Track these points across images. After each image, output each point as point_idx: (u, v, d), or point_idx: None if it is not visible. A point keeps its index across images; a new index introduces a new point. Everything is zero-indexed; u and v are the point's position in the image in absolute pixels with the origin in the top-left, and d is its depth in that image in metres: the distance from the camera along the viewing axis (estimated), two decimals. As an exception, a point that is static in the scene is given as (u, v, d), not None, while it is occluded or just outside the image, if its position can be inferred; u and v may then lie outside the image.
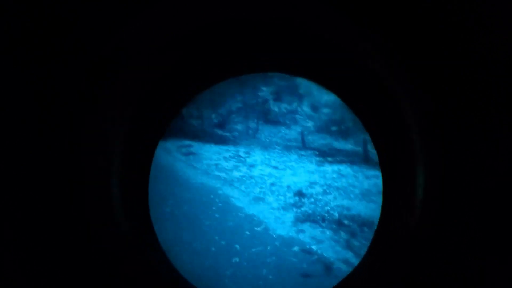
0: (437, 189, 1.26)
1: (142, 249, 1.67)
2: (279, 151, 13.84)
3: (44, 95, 1.14)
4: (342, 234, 7.41)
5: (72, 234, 1.29)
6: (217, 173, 10.68)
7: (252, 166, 11.52)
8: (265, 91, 14.81)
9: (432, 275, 1.28)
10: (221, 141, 14.85)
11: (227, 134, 15.80)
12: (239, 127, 16.23)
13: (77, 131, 1.24)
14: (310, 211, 8.23)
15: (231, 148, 13.98)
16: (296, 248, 6.54)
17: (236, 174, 10.66)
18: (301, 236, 7.10)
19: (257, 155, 12.92)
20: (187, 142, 13.97)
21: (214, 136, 15.29)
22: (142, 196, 1.78)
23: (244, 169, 11.19)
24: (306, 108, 14.17)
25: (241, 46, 1.58)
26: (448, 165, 1.19)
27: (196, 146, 13.83)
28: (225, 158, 12.43)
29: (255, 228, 7.30)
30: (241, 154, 13.10)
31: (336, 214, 8.21)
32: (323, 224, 7.73)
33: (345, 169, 12.13)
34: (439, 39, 1.09)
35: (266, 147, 14.28)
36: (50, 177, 1.22)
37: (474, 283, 1.16)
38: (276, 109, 15.59)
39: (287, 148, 14.31)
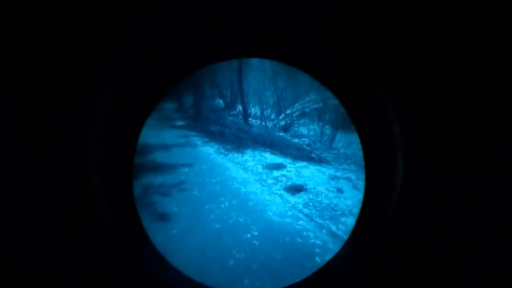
0: (414, 182, 1.33)
1: (129, 242, 1.67)
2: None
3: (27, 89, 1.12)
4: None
5: (51, 230, 1.26)
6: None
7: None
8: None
9: (408, 268, 1.35)
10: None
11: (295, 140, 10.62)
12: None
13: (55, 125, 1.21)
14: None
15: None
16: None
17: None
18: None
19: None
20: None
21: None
22: (127, 185, 1.76)
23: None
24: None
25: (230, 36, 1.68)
26: (427, 160, 1.27)
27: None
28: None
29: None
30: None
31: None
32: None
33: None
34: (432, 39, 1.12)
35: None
36: (27, 170, 1.19)
37: (450, 276, 1.23)
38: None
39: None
